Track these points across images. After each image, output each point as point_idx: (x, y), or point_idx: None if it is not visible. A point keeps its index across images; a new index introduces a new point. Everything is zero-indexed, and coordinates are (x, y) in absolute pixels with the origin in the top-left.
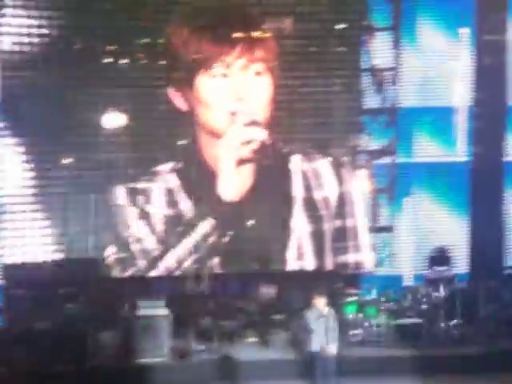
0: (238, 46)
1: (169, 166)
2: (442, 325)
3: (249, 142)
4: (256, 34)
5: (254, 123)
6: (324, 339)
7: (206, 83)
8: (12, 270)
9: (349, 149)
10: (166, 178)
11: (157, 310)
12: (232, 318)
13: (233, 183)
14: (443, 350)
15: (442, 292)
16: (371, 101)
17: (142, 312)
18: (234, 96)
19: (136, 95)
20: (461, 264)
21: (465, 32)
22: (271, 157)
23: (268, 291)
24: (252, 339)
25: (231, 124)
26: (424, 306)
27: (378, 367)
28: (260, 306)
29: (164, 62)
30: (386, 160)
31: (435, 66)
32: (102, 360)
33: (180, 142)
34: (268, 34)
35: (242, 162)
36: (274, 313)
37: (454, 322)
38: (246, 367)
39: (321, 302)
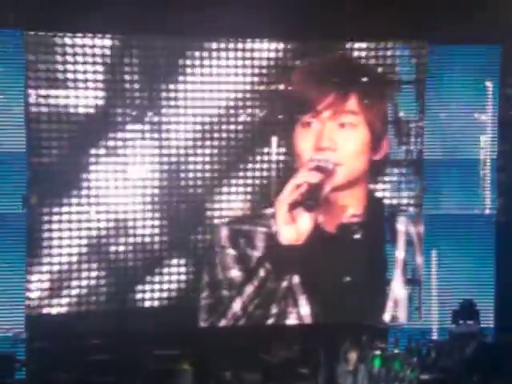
0: (330, 95)
1: (271, 210)
2: (468, 380)
3: (304, 185)
4: (352, 84)
5: (320, 169)
6: None
7: (298, 131)
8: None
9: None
10: (268, 222)
11: (179, 364)
12: (256, 371)
13: (289, 225)
14: None
15: (467, 346)
16: (396, 153)
17: (164, 365)
18: (316, 145)
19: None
20: (487, 318)
21: (490, 84)
22: (317, 204)
23: (293, 344)
24: None
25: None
26: (449, 361)
27: None
28: (284, 359)
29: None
30: (413, 212)
31: (460, 119)
32: None
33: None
34: (366, 88)
35: (295, 204)
36: (299, 366)
37: (480, 377)
38: None
39: (353, 357)
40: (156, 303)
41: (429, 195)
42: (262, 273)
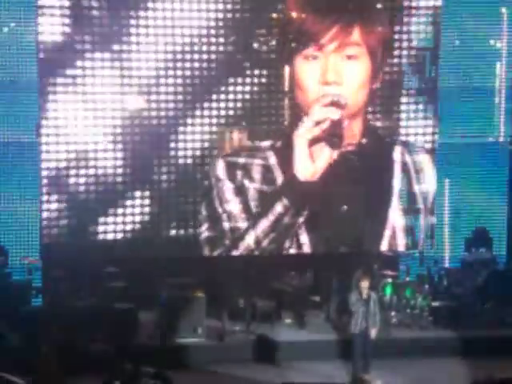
0: (334, 28)
1: (268, 143)
2: (480, 307)
3: (323, 121)
4: (355, 16)
5: (335, 104)
6: (364, 322)
7: (300, 64)
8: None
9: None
10: (265, 154)
11: (193, 291)
12: (269, 298)
13: (308, 161)
14: (480, 333)
15: (480, 274)
16: (411, 81)
17: (177, 293)
18: (322, 79)
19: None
20: (500, 246)
21: (506, 12)
22: (342, 140)
23: (305, 273)
24: (289, 320)
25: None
26: (461, 289)
27: (413, 349)
28: (297, 287)
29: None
30: (427, 141)
31: (476, 47)
32: (139, 339)
33: (280, 121)
34: (370, 17)
35: (315, 140)
36: (311, 294)
37: (492, 304)
38: (283, 348)
39: (365, 285)
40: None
41: (443, 123)
42: (279, 208)
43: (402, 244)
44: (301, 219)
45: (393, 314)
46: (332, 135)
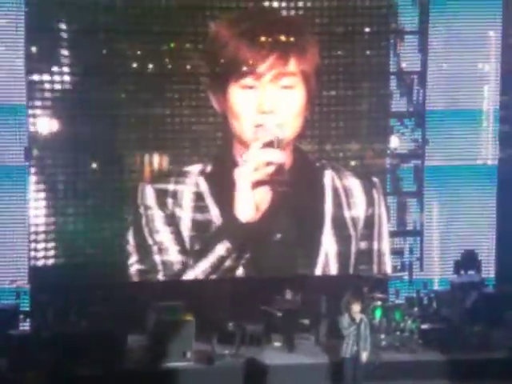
0: (270, 57)
1: (197, 167)
2: (469, 330)
3: (267, 164)
4: (292, 45)
5: (276, 144)
6: (355, 346)
7: (236, 92)
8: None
9: (378, 154)
10: (194, 180)
11: (181, 315)
12: (258, 322)
13: (250, 203)
14: (469, 355)
15: (468, 296)
16: (399, 104)
17: (166, 317)
18: (259, 109)
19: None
20: (488, 268)
21: (492, 35)
22: (287, 178)
23: (294, 296)
24: (278, 343)
25: (255, 139)
26: (450, 311)
27: (403, 372)
28: (286, 310)
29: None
30: (415, 164)
31: (463, 69)
32: (127, 364)
33: (210, 145)
34: (304, 46)
35: (259, 183)
36: (300, 317)
37: (481, 326)
38: (272, 371)
39: (356, 309)
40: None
41: (431, 146)
42: (221, 251)
43: (334, 269)
44: (243, 261)
45: (382, 336)
46: (276, 178)
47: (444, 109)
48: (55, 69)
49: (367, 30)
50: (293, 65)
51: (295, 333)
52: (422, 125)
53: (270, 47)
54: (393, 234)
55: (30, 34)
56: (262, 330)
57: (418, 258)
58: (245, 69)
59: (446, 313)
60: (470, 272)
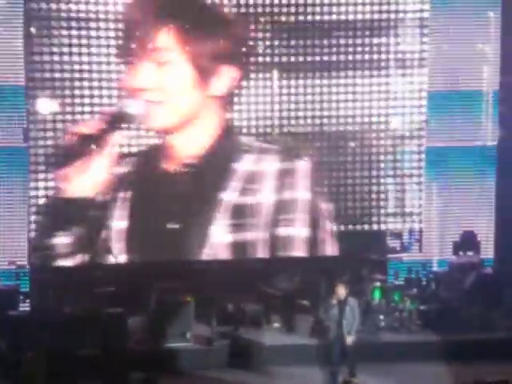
0: (148, 32)
1: None
2: (468, 310)
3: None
4: (170, 21)
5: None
6: (340, 328)
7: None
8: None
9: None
10: None
11: (181, 296)
12: (256, 303)
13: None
14: (468, 336)
15: (467, 277)
16: (400, 85)
17: (166, 298)
18: (135, 86)
19: None
20: (487, 249)
21: (493, 15)
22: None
23: (293, 277)
24: (277, 324)
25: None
26: (449, 292)
27: (402, 353)
28: (285, 291)
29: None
30: (415, 145)
31: (464, 50)
32: (127, 344)
33: None
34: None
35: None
36: (298, 298)
37: (480, 307)
38: (269, 352)
39: (341, 290)
40: None
41: (431, 128)
42: None
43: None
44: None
45: (381, 317)
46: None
47: (444, 90)
48: (55, 49)
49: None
50: (171, 40)
51: (294, 314)
52: (421, 106)
53: (148, 21)
54: (392, 215)
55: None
56: (262, 310)
57: (417, 240)
58: (123, 42)
59: (444, 294)
60: (469, 253)
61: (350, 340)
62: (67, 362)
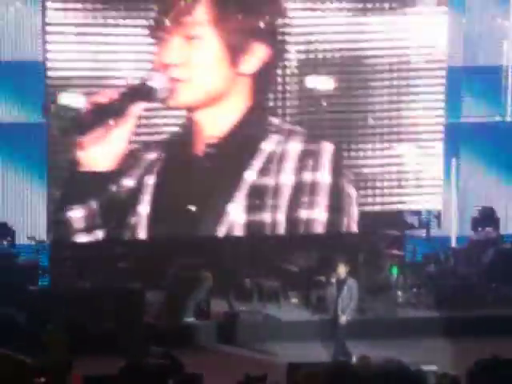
0: (176, 7)
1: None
2: (486, 286)
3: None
4: None
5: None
6: (335, 308)
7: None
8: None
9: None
10: None
11: (199, 272)
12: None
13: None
14: (487, 312)
15: (486, 253)
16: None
17: (184, 273)
18: (164, 61)
19: None
20: (506, 225)
21: None
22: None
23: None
24: (295, 300)
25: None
26: (468, 268)
27: (418, 329)
28: (300, 267)
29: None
30: (434, 121)
31: (483, 25)
32: (146, 319)
33: None
34: None
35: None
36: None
37: (499, 283)
38: (289, 327)
39: (341, 269)
40: None
41: (450, 103)
42: None
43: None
44: None
45: (399, 293)
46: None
47: (464, 65)
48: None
49: None
50: (201, 14)
51: (312, 290)
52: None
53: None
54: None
55: None
56: (279, 286)
57: (436, 216)
58: (151, 18)
59: (463, 270)
60: (488, 229)
61: (342, 319)
62: (85, 337)
